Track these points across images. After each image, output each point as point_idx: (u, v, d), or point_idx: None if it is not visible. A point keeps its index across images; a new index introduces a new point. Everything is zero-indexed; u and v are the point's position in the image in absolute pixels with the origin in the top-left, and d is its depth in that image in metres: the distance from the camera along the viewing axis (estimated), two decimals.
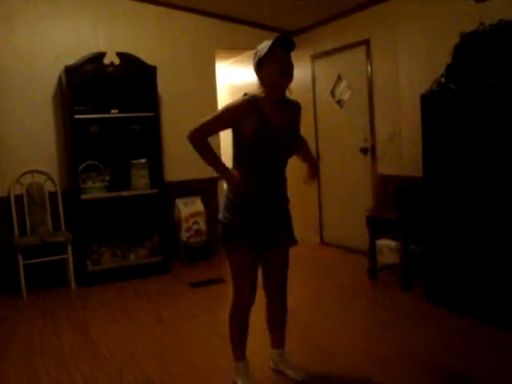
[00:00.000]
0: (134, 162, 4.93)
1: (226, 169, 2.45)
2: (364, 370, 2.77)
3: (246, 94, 2.45)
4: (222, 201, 2.57)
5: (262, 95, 2.43)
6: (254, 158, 2.44)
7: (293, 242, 2.63)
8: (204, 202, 5.46)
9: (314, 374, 2.75)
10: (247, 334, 2.63)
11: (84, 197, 4.65)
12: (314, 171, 2.68)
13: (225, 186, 2.62)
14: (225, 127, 2.46)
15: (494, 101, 3.14)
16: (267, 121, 2.39)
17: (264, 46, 2.37)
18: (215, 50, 5.62)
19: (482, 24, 3.35)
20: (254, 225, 2.47)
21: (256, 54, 2.41)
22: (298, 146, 2.64)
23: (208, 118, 2.44)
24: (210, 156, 2.47)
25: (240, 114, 2.38)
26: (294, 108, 2.58)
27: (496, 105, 3.13)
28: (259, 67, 2.41)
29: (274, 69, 2.35)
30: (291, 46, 2.40)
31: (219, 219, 2.54)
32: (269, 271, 2.63)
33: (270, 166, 2.49)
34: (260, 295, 2.65)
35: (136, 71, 4.78)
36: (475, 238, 3.32)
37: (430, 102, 3.58)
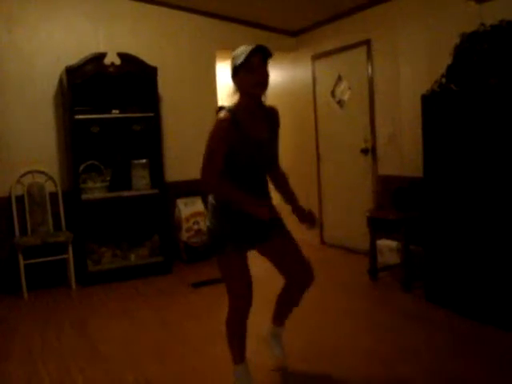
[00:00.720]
0: (135, 162, 4.93)
1: (255, 202, 2.35)
2: (363, 370, 2.78)
3: (221, 108, 2.43)
4: (208, 208, 2.53)
5: (237, 104, 2.40)
6: (237, 168, 2.40)
7: (287, 234, 2.58)
8: (204, 202, 5.46)
9: (313, 374, 2.76)
10: (246, 337, 2.59)
11: (85, 197, 4.65)
12: (309, 221, 2.59)
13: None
14: (223, 151, 2.35)
15: (494, 101, 3.14)
16: (247, 134, 2.37)
17: (240, 52, 2.31)
18: (216, 51, 5.62)
19: (482, 24, 3.35)
20: (242, 228, 2.43)
21: (232, 61, 2.36)
22: (275, 160, 2.61)
23: (205, 155, 2.36)
24: (234, 194, 2.37)
25: (227, 132, 2.33)
26: (272, 116, 2.53)
27: (497, 105, 3.13)
28: (235, 75, 2.37)
29: (248, 79, 2.32)
30: (267, 55, 2.36)
31: (207, 227, 2.51)
32: (278, 256, 2.57)
33: (253, 174, 2.46)
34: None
35: (137, 72, 4.78)
36: (476, 238, 3.33)
37: (430, 103, 3.59)
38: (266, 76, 2.34)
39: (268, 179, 2.59)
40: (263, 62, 2.33)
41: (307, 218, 2.60)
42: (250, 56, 2.28)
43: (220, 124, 2.34)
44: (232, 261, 2.43)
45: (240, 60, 2.29)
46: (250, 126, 2.39)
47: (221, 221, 2.44)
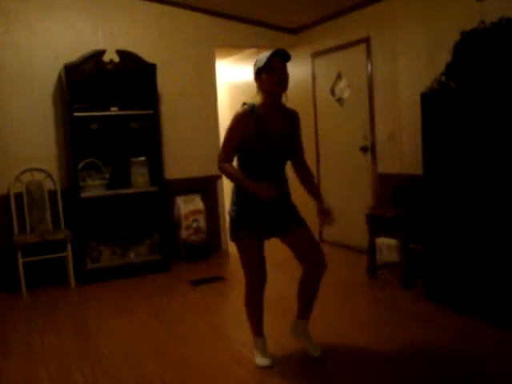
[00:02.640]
0: (134, 159, 4.92)
1: (255, 183, 2.62)
2: (362, 368, 2.78)
3: (244, 104, 2.71)
4: (230, 196, 2.82)
5: (260, 102, 2.70)
6: (254, 159, 2.69)
7: (302, 224, 2.81)
8: (204, 199, 5.46)
9: (311, 371, 2.76)
10: (262, 313, 2.86)
11: (83, 195, 4.64)
12: (324, 215, 2.84)
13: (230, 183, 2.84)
14: (238, 140, 2.67)
15: (494, 99, 3.14)
16: (263, 125, 2.65)
17: (263, 56, 2.62)
18: (215, 48, 5.61)
19: (482, 22, 3.35)
20: (258, 216, 2.70)
21: (255, 64, 2.67)
22: (296, 152, 2.86)
23: (222, 142, 2.74)
24: (236, 177, 2.70)
25: (243, 123, 2.65)
26: (291, 116, 2.81)
27: (496, 103, 3.12)
28: (258, 76, 2.67)
29: (270, 78, 2.62)
30: (287, 58, 2.65)
31: (228, 213, 2.81)
32: (294, 245, 2.81)
33: (269, 165, 2.72)
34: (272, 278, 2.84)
35: (135, 69, 4.77)
36: (475, 236, 3.32)
37: (430, 101, 3.58)
38: (284, 76, 2.64)
39: (292, 172, 2.90)
40: (282, 64, 2.63)
41: (324, 213, 2.85)
42: (270, 58, 2.59)
43: (237, 117, 2.67)
44: (247, 246, 2.73)
45: (262, 62, 2.61)
46: (269, 120, 2.67)
47: (239, 209, 2.72)
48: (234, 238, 2.76)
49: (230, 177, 2.72)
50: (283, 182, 2.81)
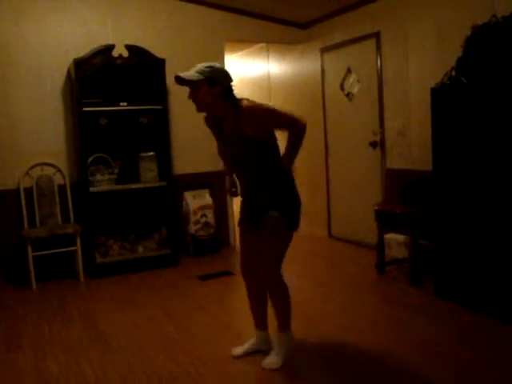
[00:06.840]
0: (143, 154, 4.94)
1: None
2: (370, 363, 2.77)
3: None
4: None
5: None
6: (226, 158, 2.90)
7: (263, 227, 2.68)
8: (212, 195, 5.46)
9: (320, 367, 2.76)
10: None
11: (93, 189, 4.66)
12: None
13: None
14: None
15: (505, 94, 3.10)
16: (222, 131, 2.77)
17: None
18: (224, 43, 5.60)
19: (494, 16, 3.31)
20: (244, 212, 2.86)
21: None
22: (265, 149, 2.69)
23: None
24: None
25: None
26: (239, 115, 2.63)
27: (508, 98, 3.09)
28: None
29: None
30: (182, 81, 2.58)
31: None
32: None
33: (238, 167, 2.80)
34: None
35: (145, 64, 4.77)
36: (485, 232, 3.30)
37: (440, 96, 3.55)
38: (192, 98, 2.66)
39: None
40: (191, 87, 2.62)
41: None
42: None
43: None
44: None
45: None
46: (224, 123, 2.78)
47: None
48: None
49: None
50: (258, 181, 2.71)
